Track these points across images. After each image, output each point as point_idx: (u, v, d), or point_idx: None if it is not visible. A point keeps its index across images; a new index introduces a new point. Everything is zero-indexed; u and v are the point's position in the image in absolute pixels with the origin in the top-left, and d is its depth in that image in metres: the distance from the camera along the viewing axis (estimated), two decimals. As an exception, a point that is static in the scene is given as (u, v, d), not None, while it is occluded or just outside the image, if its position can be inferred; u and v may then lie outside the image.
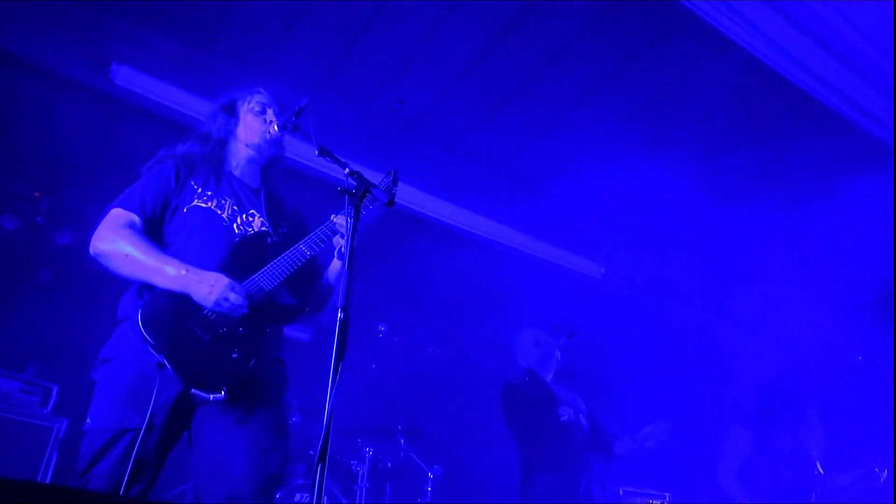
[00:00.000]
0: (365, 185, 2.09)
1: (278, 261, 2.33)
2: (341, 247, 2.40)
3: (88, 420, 2.17)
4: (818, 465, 4.07)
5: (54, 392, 4.16)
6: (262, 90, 2.67)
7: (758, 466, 4.22)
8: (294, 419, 4.81)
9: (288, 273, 2.34)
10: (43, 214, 5.16)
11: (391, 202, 2.15)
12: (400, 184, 2.57)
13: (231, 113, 2.61)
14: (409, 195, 5.12)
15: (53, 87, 4.32)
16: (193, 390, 2.10)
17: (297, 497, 4.51)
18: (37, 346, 4.69)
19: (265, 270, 2.32)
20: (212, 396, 2.10)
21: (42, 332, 4.76)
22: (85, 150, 4.87)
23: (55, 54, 4.13)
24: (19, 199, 5.11)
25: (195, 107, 4.17)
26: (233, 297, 2.19)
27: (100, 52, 4.18)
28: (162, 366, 2.09)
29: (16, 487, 1.29)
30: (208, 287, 2.17)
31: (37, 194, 5.16)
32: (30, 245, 5.14)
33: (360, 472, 4.87)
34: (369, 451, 4.93)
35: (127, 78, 4.21)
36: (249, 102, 2.62)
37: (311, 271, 2.55)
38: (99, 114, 4.61)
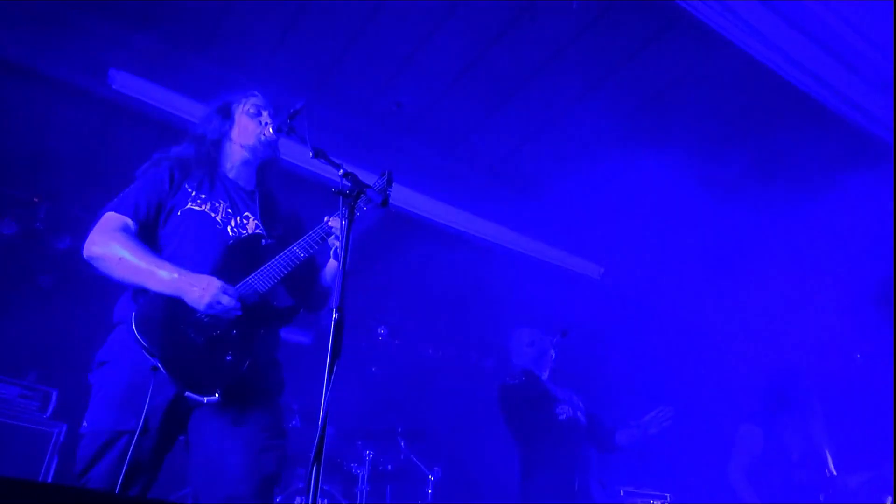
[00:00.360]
0: (359, 187, 2.09)
1: (272, 263, 2.34)
2: (337, 248, 2.40)
3: (85, 423, 2.17)
4: (830, 465, 4.02)
5: (54, 397, 4.16)
6: (257, 93, 2.67)
7: (768, 465, 4.17)
8: (294, 423, 4.81)
9: (282, 275, 2.34)
10: (42, 220, 5.15)
11: (385, 203, 2.15)
12: (398, 186, 2.57)
13: (226, 115, 2.60)
14: (407, 197, 5.12)
15: (51, 93, 4.33)
16: (188, 393, 2.10)
17: (298, 500, 4.51)
18: (36, 352, 4.69)
19: (259, 272, 2.32)
20: (206, 399, 2.10)
21: (41, 338, 4.76)
22: (83, 155, 4.87)
23: (53, 60, 4.14)
24: (18, 204, 5.11)
25: (193, 111, 4.16)
26: (224, 299, 2.19)
27: (97, 58, 4.19)
28: (156, 369, 2.09)
29: (16, 487, 1.29)
30: (200, 290, 2.17)
31: (35, 200, 5.16)
32: (29, 251, 5.14)
33: (361, 475, 4.86)
34: (369, 453, 4.92)
35: (124, 83, 4.22)
36: (245, 104, 2.62)
37: (307, 273, 2.55)
38: (97, 118, 4.62)
